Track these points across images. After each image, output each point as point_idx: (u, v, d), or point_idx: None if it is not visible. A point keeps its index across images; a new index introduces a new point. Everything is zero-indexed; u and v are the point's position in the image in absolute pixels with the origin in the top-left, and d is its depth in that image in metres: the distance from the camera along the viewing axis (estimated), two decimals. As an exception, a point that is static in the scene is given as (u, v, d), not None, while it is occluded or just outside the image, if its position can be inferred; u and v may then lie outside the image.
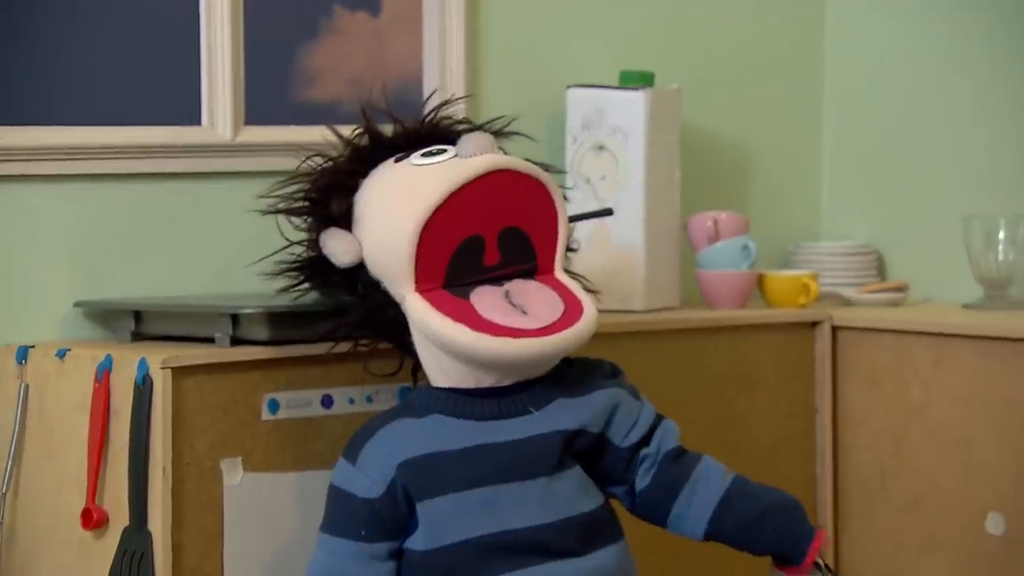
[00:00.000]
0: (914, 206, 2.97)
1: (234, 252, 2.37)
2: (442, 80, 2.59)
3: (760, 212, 2.96)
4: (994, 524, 2.49)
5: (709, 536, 1.90)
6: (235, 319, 2.05)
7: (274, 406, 2.05)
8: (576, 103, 2.62)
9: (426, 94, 2.56)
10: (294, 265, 1.97)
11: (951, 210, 2.83)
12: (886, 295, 2.83)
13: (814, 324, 2.68)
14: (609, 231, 2.58)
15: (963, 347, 2.52)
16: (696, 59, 2.91)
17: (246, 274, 2.31)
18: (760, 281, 2.73)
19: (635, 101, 2.58)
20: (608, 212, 2.44)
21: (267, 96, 2.46)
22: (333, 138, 2.00)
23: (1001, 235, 2.72)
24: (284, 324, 2.05)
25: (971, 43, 2.88)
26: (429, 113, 2.00)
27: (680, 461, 1.92)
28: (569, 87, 2.63)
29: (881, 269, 3.01)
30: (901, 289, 2.85)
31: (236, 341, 2.06)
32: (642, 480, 1.91)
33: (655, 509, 1.91)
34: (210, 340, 2.07)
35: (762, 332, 2.64)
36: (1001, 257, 2.72)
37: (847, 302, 2.84)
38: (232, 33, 2.39)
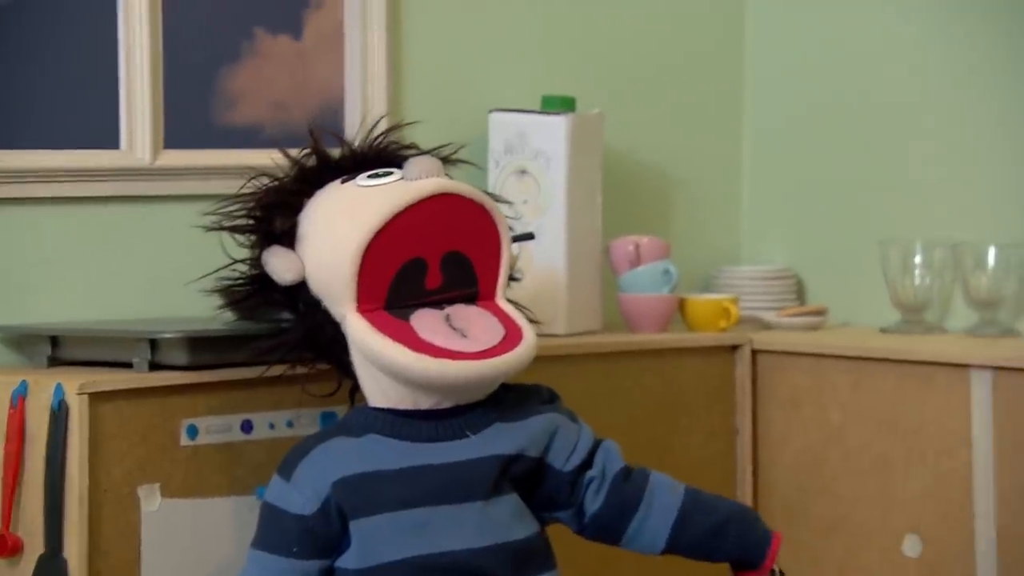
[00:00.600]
0: (833, 231, 3.00)
1: (155, 276, 2.36)
2: (364, 104, 2.59)
3: (681, 236, 2.98)
4: (911, 547, 2.51)
5: (668, 550, 1.92)
6: (153, 344, 2.04)
7: (193, 432, 2.04)
8: (498, 127, 2.63)
9: (348, 118, 2.56)
10: (236, 283, 1.96)
11: (869, 235, 2.86)
12: (805, 319, 2.85)
13: (734, 348, 2.70)
14: (531, 255, 2.58)
15: (880, 371, 2.55)
16: (618, 84, 2.93)
17: (167, 298, 2.30)
18: (681, 305, 2.74)
19: (557, 126, 2.60)
20: (530, 236, 2.44)
21: (188, 119, 2.45)
22: (275, 160, 2.00)
23: (917, 259, 2.75)
24: (203, 349, 2.04)
25: (889, 71, 2.92)
26: (377, 136, 2.01)
27: (630, 479, 1.94)
28: (491, 111, 2.64)
29: (801, 293, 3.03)
30: (820, 313, 2.88)
31: (155, 366, 2.04)
32: (592, 502, 1.92)
33: (609, 529, 1.92)
34: (128, 365, 2.05)
35: (683, 356, 2.65)
36: (917, 281, 2.75)
37: (767, 326, 2.86)
38: (151, 56, 2.38)
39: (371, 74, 2.61)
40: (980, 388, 2.42)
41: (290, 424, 2.11)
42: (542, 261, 2.59)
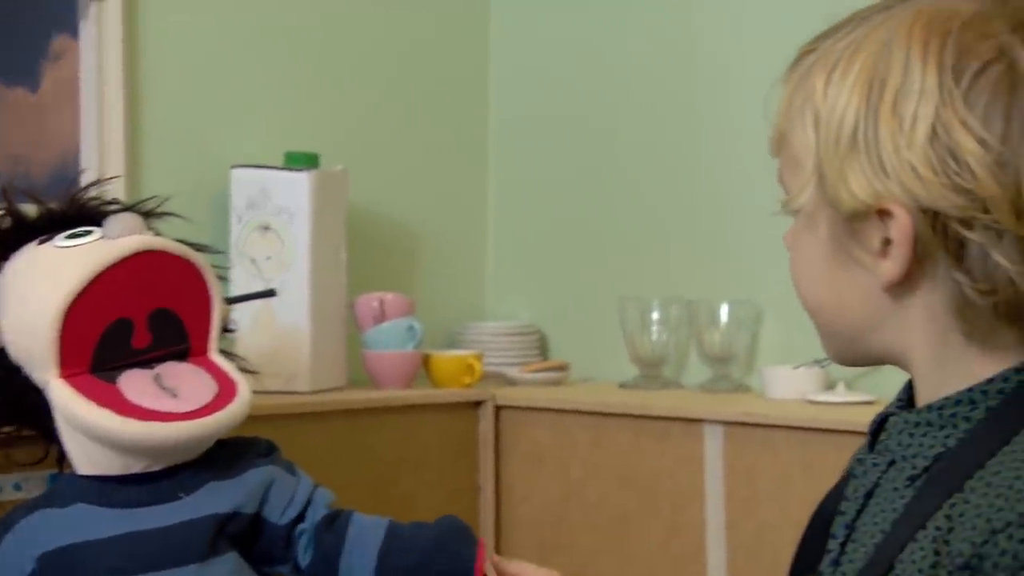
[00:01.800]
0: (575, 287, 3.05)
1: None
2: (100, 159, 2.54)
3: (427, 292, 3.00)
4: (648, 598, 2.56)
5: None
6: None
7: (-85, 496, 1.96)
8: (240, 183, 2.61)
9: (85, 174, 2.51)
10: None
11: (609, 291, 2.92)
12: (547, 374, 2.89)
13: (478, 404, 2.73)
14: (274, 311, 2.57)
15: (618, 426, 2.60)
16: (362, 141, 2.94)
17: None
18: (426, 361, 2.76)
19: (300, 182, 2.59)
20: (271, 293, 2.42)
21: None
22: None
23: (655, 316, 2.82)
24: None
25: (627, 135, 2.99)
26: (75, 193, 1.96)
27: (332, 528, 1.91)
28: (233, 167, 2.62)
29: (544, 349, 3.08)
30: (562, 368, 2.92)
31: None
32: (304, 556, 1.89)
33: None
34: None
35: (427, 412, 2.66)
36: (655, 337, 2.82)
37: (511, 381, 2.90)
38: None
39: (108, 128, 2.57)
40: (712, 442, 2.48)
41: (18, 487, 2.05)
42: (285, 318, 2.58)
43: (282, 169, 2.62)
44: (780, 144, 1.11)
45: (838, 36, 1.08)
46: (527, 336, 3.02)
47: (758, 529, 2.42)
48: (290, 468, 1.94)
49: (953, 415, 1.06)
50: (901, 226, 1.03)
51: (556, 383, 2.89)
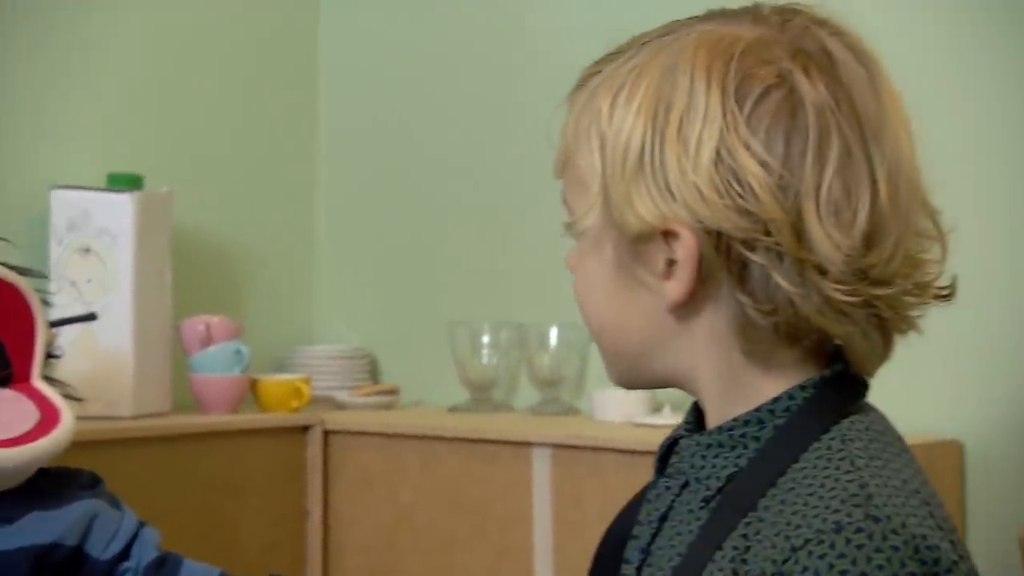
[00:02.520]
0: (405, 311, 3.04)
1: None
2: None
3: (255, 316, 2.97)
4: (476, 622, 2.55)
5: None
6: None
7: None
8: (61, 205, 2.55)
9: None
10: None
11: (440, 315, 2.92)
12: (377, 398, 2.87)
13: (306, 428, 2.70)
14: (95, 335, 2.51)
15: (448, 449, 2.59)
16: (187, 162, 2.90)
17: None
18: (253, 385, 2.72)
19: (123, 204, 2.54)
20: (91, 317, 2.37)
21: None
22: None
23: (485, 339, 2.82)
24: None
25: (456, 161, 2.99)
26: None
27: (160, 572, 1.88)
28: (53, 188, 2.56)
29: (374, 372, 3.06)
30: (392, 392, 2.91)
31: None
32: None
33: None
34: None
35: (254, 437, 2.63)
36: (485, 361, 2.82)
37: (340, 405, 2.87)
38: None
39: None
40: (540, 465, 2.48)
41: None
42: (108, 341, 2.53)
43: (104, 190, 2.57)
44: (564, 166, 1.12)
45: (622, 59, 1.09)
46: (357, 360, 3.00)
47: (585, 552, 2.41)
48: (115, 502, 1.89)
49: (743, 435, 1.07)
50: (686, 247, 1.04)
51: (386, 407, 2.87)
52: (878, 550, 0.96)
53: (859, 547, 0.96)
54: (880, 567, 0.95)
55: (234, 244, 2.99)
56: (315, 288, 3.14)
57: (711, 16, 1.10)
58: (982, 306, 2.38)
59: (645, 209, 1.05)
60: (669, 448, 1.14)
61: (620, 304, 1.10)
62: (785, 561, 0.97)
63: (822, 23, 1.07)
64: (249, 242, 3.01)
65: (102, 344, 2.53)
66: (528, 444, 2.50)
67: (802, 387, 1.07)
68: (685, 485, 1.10)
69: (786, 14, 1.08)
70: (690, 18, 1.10)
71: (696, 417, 1.14)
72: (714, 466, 1.08)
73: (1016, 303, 2.38)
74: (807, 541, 0.97)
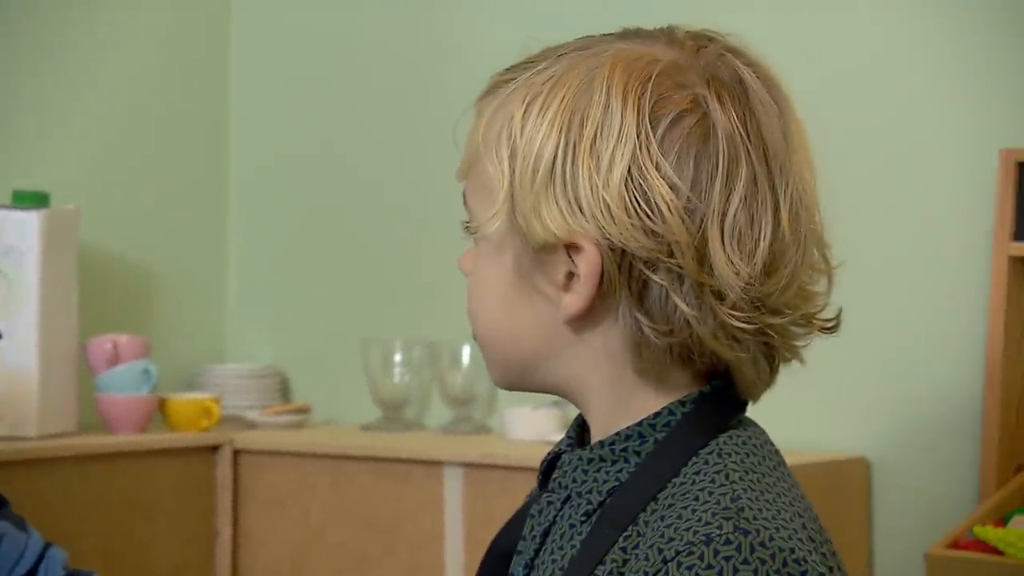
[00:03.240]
0: (317, 329, 3.03)
1: None
2: None
3: (163, 334, 2.94)
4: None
5: None
6: None
7: None
8: (-35, 222, 2.52)
9: None
10: None
11: (352, 333, 2.90)
12: (288, 417, 2.86)
13: (215, 448, 2.67)
14: (1, 354, 2.48)
15: (359, 468, 2.58)
16: (95, 179, 2.86)
17: None
18: (162, 405, 2.69)
19: (29, 221, 2.52)
20: (-5, 336, 2.35)
21: None
22: None
23: (397, 358, 2.81)
24: None
25: (369, 172, 2.98)
26: None
27: None
28: (-43, 205, 2.53)
29: (285, 391, 3.04)
30: (303, 411, 2.89)
31: None
32: None
33: None
34: None
35: (163, 457, 2.60)
36: (397, 379, 2.81)
37: (251, 425, 2.85)
38: None
39: None
40: (452, 484, 2.48)
41: None
42: (13, 360, 2.50)
43: (9, 208, 2.54)
44: (469, 169, 1.12)
45: (536, 69, 1.09)
46: (268, 378, 2.98)
47: (498, 571, 2.42)
48: (20, 524, 1.87)
49: (624, 449, 1.09)
50: (589, 261, 1.05)
51: (297, 426, 2.85)
52: (745, 562, 0.98)
53: (727, 559, 0.99)
54: None
55: (143, 261, 2.96)
56: (225, 305, 3.11)
57: (627, 35, 1.11)
58: (887, 323, 2.41)
59: (552, 220, 1.05)
60: (552, 463, 1.14)
61: (515, 311, 1.10)
62: (656, 573, 1.00)
63: (736, 52, 1.09)
64: (158, 259, 2.98)
65: (7, 363, 2.50)
66: (440, 463, 2.49)
67: (682, 402, 1.09)
68: (567, 500, 1.11)
69: (700, 40, 1.09)
70: (606, 35, 1.11)
71: (578, 432, 1.15)
72: (595, 480, 1.09)
73: (921, 320, 2.42)
74: (678, 553, 0.99)
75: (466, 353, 2.75)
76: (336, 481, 2.60)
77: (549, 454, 1.16)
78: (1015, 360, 2.30)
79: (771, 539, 1.00)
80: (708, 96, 1.05)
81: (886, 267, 2.41)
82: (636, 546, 1.03)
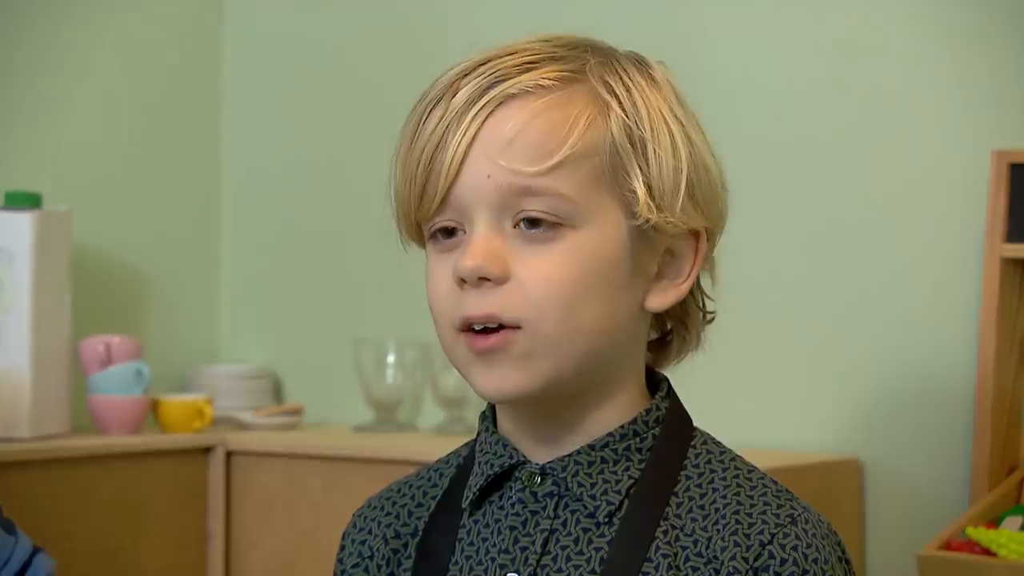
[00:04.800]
0: (310, 330, 3.02)
1: None
2: None
3: (156, 335, 2.93)
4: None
5: None
6: None
7: None
8: (-44, 223, 2.52)
9: None
10: None
11: (345, 334, 2.90)
12: (281, 418, 2.85)
13: (208, 449, 2.67)
14: (-8, 356, 2.49)
15: (351, 470, 2.58)
16: (87, 180, 2.86)
17: None
18: (154, 406, 2.69)
19: (21, 222, 2.51)
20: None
21: None
22: None
23: (390, 359, 2.81)
24: None
25: (360, 175, 2.98)
26: None
27: None
28: (-52, 206, 2.53)
29: (278, 392, 3.04)
30: (296, 412, 2.89)
31: None
32: None
33: None
34: None
35: (155, 459, 2.60)
36: (390, 380, 2.81)
37: (243, 426, 2.85)
38: None
39: None
40: (445, 486, 2.47)
41: None
42: (5, 362, 2.50)
43: (2, 209, 2.54)
44: (560, 164, 1.10)
45: (578, 59, 1.14)
46: (260, 379, 2.98)
47: (490, 572, 2.42)
48: (9, 528, 1.87)
49: (627, 448, 1.10)
50: (703, 248, 1.14)
51: (290, 427, 2.85)
52: (824, 536, 1.09)
53: (813, 535, 1.08)
54: (829, 549, 1.09)
55: (135, 262, 2.96)
56: (218, 307, 3.11)
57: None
58: (879, 324, 2.41)
59: (687, 212, 1.11)
60: (496, 479, 1.14)
61: (610, 305, 1.11)
62: (757, 558, 1.06)
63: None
64: (151, 260, 2.98)
65: (-1, 365, 2.50)
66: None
67: (662, 397, 1.14)
68: (559, 506, 1.10)
69: None
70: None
71: (500, 453, 1.14)
72: (607, 481, 1.09)
73: (913, 321, 2.41)
74: (773, 536, 1.07)
75: (459, 354, 2.75)
76: (329, 482, 2.60)
77: (493, 470, 1.14)
78: (1007, 361, 2.30)
79: (817, 514, 1.12)
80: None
81: (878, 268, 2.41)
82: (678, 540, 1.08)
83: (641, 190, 1.09)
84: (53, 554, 1.91)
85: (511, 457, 1.14)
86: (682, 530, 1.06)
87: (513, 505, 1.13)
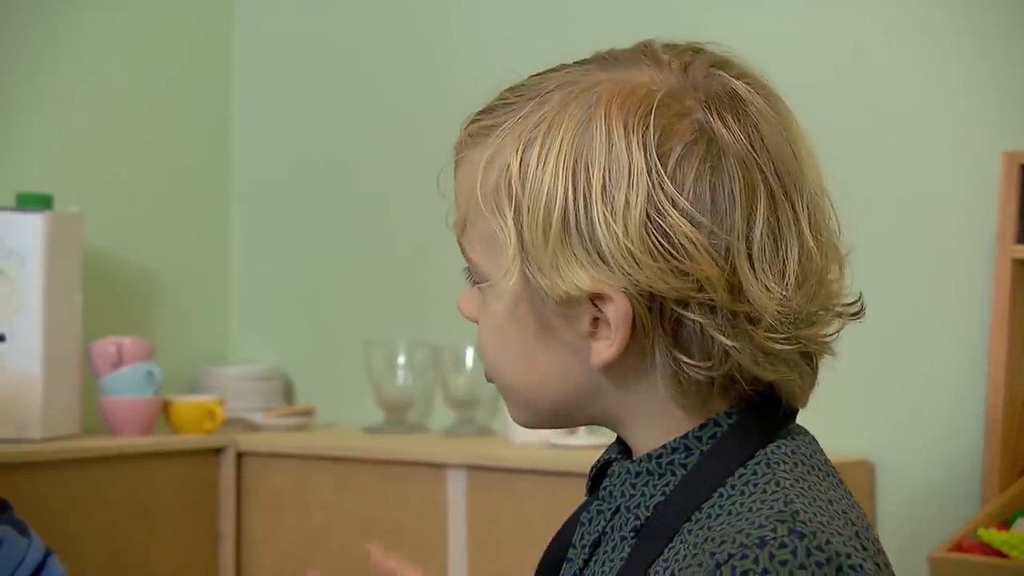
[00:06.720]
0: (320, 331, 3.02)
1: None
2: None
3: (167, 336, 2.93)
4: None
5: None
6: None
7: None
8: (-31, 224, 2.52)
9: None
10: None
11: (355, 335, 2.90)
12: (292, 419, 2.86)
13: (219, 450, 2.68)
14: (3, 357, 2.49)
15: (362, 471, 2.58)
16: (98, 182, 2.86)
17: None
18: (165, 407, 2.70)
19: (32, 224, 2.52)
20: (-1, 339, 2.36)
21: None
22: None
23: (400, 360, 2.81)
24: None
25: (367, 185, 2.98)
26: None
27: None
28: (-40, 207, 2.54)
29: (289, 394, 3.04)
30: (307, 413, 2.89)
31: None
32: None
33: None
34: None
35: (166, 460, 2.61)
36: (401, 381, 2.81)
37: (254, 427, 2.85)
38: None
39: None
40: (455, 486, 2.48)
41: None
42: (16, 364, 2.50)
43: (13, 210, 2.54)
44: (465, 224, 1.08)
45: (521, 112, 1.05)
46: (271, 380, 2.98)
47: (500, 573, 2.43)
48: (22, 529, 1.87)
49: (671, 462, 1.06)
50: (619, 310, 1.01)
51: (300, 428, 2.85)
52: (801, 567, 0.96)
53: (782, 563, 0.95)
54: None
55: (146, 264, 2.96)
56: (229, 308, 3.11)
57: (606, 62, 1.06)
58: (891, 326, 2.41)
59: (574, 275, 1.01)
60: (601, 469, 1.12)
61: (539, 362, 1.06)
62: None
63: (723, 64, 1.06)
64: (161, 262, 2.98)
65: (11, 366, 2.50)
66: (443, 466, 2.49)
67: (728, 413, 1.05)
68: (616, 511, 1.09)
69: (683, 56, 1.06)
70: (583, 62, 1.07)
71: (625, 443, 1.12)
72: (643, 495, 1.06)
73: (924, 323, 2.41)
74: (730, 556, 0.96)
75: (469, 355, 2.75)
76: (339, 483, 2.60)
77: (599, 461, 1.13)
78: (1019, 363, 2.30)
79: (828, 543, 0.97)
80: (711, 120, 1.02)
81: (889, 270, 2.41)
82: (678, 554, 1.01)
83: (510, 242, 1.03)
84: (64, 555, 1.91)
85: (609, 454, 1.13)
86: (683, 543, 1.02)
87: (595, 501, 1.13)
